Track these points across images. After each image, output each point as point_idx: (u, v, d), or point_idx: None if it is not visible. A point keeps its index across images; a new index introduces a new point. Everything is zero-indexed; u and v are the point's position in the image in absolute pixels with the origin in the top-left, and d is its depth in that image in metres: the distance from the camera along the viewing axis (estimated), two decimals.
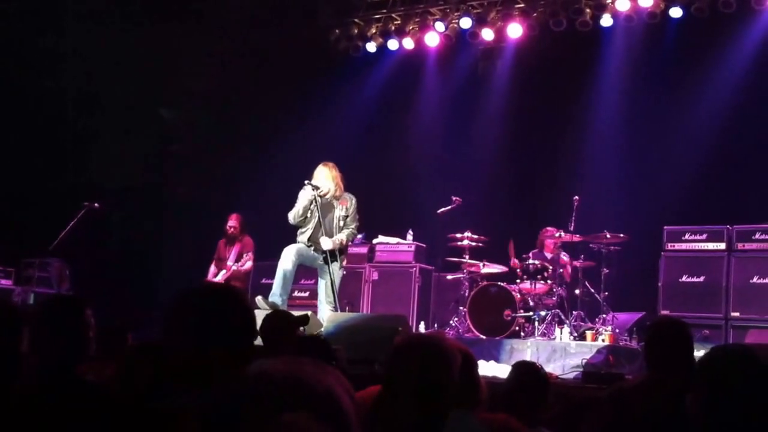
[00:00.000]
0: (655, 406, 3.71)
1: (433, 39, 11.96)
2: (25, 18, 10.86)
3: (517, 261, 9.98)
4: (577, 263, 9.88)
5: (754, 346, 4.11)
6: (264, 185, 11.48)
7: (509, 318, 9.41)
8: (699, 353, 3.31)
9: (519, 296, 9.57)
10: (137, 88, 11.39)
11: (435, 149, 12.51)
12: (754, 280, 9.29)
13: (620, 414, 3.83)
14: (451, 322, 9.95)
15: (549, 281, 9.67)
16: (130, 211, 11.65)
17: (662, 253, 9.85)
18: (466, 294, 9.96)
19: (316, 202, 8.39)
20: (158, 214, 12.25)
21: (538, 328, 9.23)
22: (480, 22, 11.47)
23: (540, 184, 11.70)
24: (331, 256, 8.31)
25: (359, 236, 10.07)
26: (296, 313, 5.42)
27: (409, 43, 12.09)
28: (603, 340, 8.68)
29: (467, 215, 10.48)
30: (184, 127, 12.77)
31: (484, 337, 9.33)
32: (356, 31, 12.28)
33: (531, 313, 9.41)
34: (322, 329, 7.52)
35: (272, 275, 8.60)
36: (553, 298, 9.58)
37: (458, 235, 10.12)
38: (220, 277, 10.22)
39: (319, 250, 8.42)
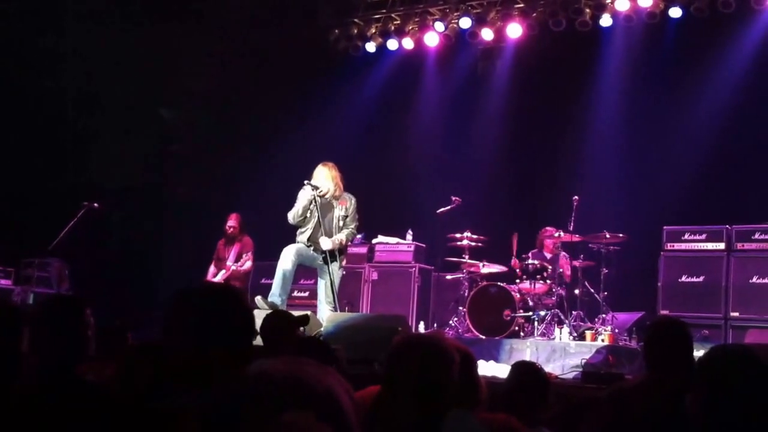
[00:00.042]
0: (655, 406, 3.71)
1: (432, 39, 11.96)
2: (25, 18, 10.86)
3: (517, 261, 9.98)
4: (576, 263, 9.88)
5: (753, 346, 4.11)
6: (264, 185, 11.47)
7: (509, 318, 9.41)
8: (698, 353, 3.31)
9: (518, 296, 9.58)
10: (137, 88, 11.39)
11: (434, 149, 12.51)
12: (754, 280, 9.29)
13: (620, 414, 3.83)
14: (450, 322, 9.95)
15: (548, 281, 9.68)
16: (130, 211, 11.65)
17: (662, 253, 9.86)
18: (466, 294, 9.96)
19: (315, 202, 8.38)
20: (158, 214, 12.25)
21: (538, 328, 9.23)
22: (479, 22, 11.48)
23: (539, 184, 11.70)
24: (331, 256, 8.30)
25: (359, 236, 10.08)
26: (296, 313, 5.42)
27: (408, 43, 12.09)
28: (602, 340, 8.68)
29: (467, 215, 10.49)
30: (184, 127, 12.77)
31: (483, 337, 9.33)
32: (356, 31, 12.28)
33: (530, 313, 9.41)
34: (322, 329, 7.52)
35: (272, 275, 8.60)
36: (553, 298, 9.58)
37: (458, 235, 10.13)
38: (219, 277, 10.21)
39: (319, 250, 8.42)
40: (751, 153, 10.41)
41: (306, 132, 12.01)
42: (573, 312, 9.54)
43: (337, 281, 8.36)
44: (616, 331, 9.00)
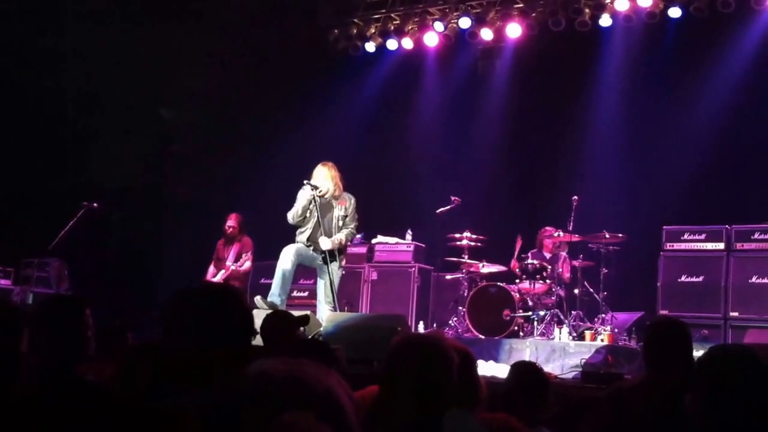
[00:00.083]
0: (654, 406, 3.71)
1: (432, 39, 11.96)
2: (25, 18, 10.87)
3: (516, 262, 10.00)
4: (576, 263, 9.89)
5: (753, 346, 4.11)
6: (264, 185, 11.47)
7: (508, 318, 9.41)
8: (698, 353, 3.31)
9: (518, 296, 9.58)
10: (137, 88, 11.39)
11: (434, 149, 12.52)
12: (753, 279, 9.29)
13: (619, 414, 3.83)
14: (450, 321, 9.95)
15: (548, 281, 9.68)
16: (130, 211, 11.66)
17: (661, 252, 9.86)
18: (465, 294, 9.97)
19: (315, 201, 8.39)
20: (158, 214, 12.25)
21: (537, 328, 9.23)
22: (479, 21, 11.48)
23: (539, 183, 11.70)
24: (330, 255, 8.30)
25: (358, 236, 10.08)
26: (296, 313, 5.42)
27: (408, 43, 12.09)
28: (602, 340, 8.68)
29: (466, 215, 10.49)
30: (184, 127, 12.78)
31: (483, 336, 9.34)
32: (355, 31, 12.28)
33: (530, 313, 9.42)
34: (321, 329, 7.52)
35: (271, 275, 8.59)
36: (552, 298, 9.58)
37: (457, 235, 10.13)
38: (219, 278, 10.20)
39: (318, 250, 8.42)
40: (750, 153, 10.41)
41: (306, 132, 12.01)
42: (572, 312, 9.55)
43: (336, 281, 8.36)
44: (616, 331, 9.00)
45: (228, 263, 10.24)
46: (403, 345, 2.85)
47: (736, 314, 9.26)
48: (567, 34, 11.08)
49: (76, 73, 11.17)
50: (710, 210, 10.07)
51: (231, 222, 10.37)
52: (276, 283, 8.30)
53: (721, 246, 9.57)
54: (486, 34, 11.58)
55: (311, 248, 8.46)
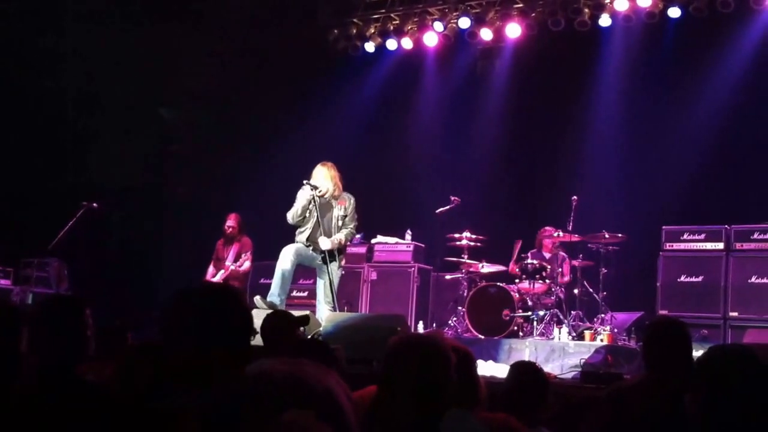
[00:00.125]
0: (654, 406, 3.71)
1: (431, 39, 11.96)
2: (25, 18, 10.86)
3: (514, 265, 10.01)
4: (575, 263, 9.89)
5: (752, 346, 4.11)
6: (264, 185, 11.47)
7: (508, 318, 9.42)
8: (697, 353, 3.31)
9: (517, 296, 9.58)
10: (137, 88, 11.40)
11: (434, 149, 12.51)
12: (753, 279, 9.30)
13: (619, 414, 3.83)
14: (449, 321, 9.96)
15: (547, 281, 9.69)
16: (130, 211, 11.65)
17: (660, 252, 9.85)
18: (465, 294, 9.97)
19: (314, 201, 8.39)
20: (158, 214, 12.26)
21: (537, 328, 9.24)
22: (478, 21, 11.48)
23: (539, 183, 11.70)
24: (330, 255, 8.30)
25: (358, 236, 10.08)
26: (295, 312, 5.43)
27: (407, 43, 12.10)
28: (601, 340, 8.68)
29: (466, 215, 10.49)
30: (184, 127, 12.78)
31: (482, 336, 9.34)
32: (355, 31, 12.28)
33: (529, 313, 9.42)
34: (321, 329, 7.52)
35: (271, 275, 8.59)
36: (552, 298, 9.59)
37: (457, 235, 10.14)
38: (218, 278, 10.20)
39: (318, 250, 8.42)
40: (749, 153, 10.41)
41: (306, 132, 12.01)
42: (572, 312, 9.55)
43: (336, 281, 8.35)
44: (615, 330, 9.00)
45: (227, 263, 10.24)
46: (401, 345, 2.86)
47: (735, 314, 9.26)
48: (566, 34, 11.08)
49: (76, 73, 11.17)
50: (710, 210, 10.07)
51: (230, 222, 10.37)
52: (275, 283, 8.30)
53: (720, 246, 9.57)
54: (485, 34, 11.58)
55: (311, 248, 8.46)
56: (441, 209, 10.37)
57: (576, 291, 9.75)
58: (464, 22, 11.50)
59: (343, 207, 8.55)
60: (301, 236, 8.49)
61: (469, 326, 9.57)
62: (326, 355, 4.04)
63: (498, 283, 9.77)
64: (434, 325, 10.45)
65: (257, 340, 3.88)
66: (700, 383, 2.87)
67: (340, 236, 8.46)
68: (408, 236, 11.13)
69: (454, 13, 11.75)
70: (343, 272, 8.80)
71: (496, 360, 8.25)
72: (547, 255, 10.23)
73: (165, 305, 2.59)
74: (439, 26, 11.77)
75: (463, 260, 10.10)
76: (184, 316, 2.51)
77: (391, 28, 12.05)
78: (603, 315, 9.34)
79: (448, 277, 10.61)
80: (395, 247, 11.06)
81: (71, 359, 3.23)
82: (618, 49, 11.38)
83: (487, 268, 10.12)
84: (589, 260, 9.89)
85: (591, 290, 9.73)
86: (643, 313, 9.52)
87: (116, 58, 11.19)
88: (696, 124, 10.75)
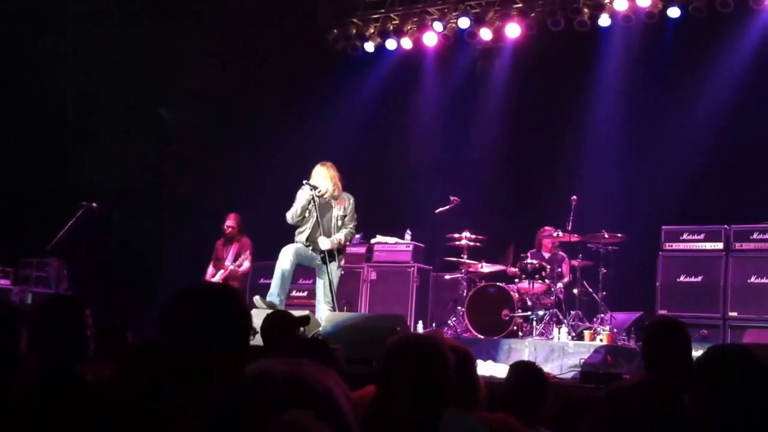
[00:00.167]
0: (653, 406, 3.71)
1: (431, 39, 11.96)
2: (25, 18, 10.87)
3: (512, 268, 10.01)
4: (575, 263, 9.90)
5: (752, 346, 4.11)
6: (264, 185, 11.48)
7: (507, 318, 9.42)
8: (697, 353, 3.32)
9: (517, 296, 9.59)
10: (137, 88, 11.40)
11: (433, 149, 12.52)
12: (752, 279, 9.30)
13: (618, 414, 3.84)
14: (449, 321, 9.96)
15: (547, 281, 9.69)
16: (129, 211, 11.66)
17: (660, 252, 9.86)
18: (464, 294, 9.97)
19: (314, 201, 8.39)
20: (158, 214, 12.26)
21: (536, 328, 9.24)
22: (478, 21, 11.48)
23: (538, 183, 11.70)
24: (330, 255, 8.30)
25: (357, 236, 10.08)
26: (295, 312, 5.43)
27: (407, 43, 12.10)
28: (601, 340, 8.69)
29: (465, 215, 10.49)
30: (184, 127, 12.78)
31: (482, 336, 9.34)
32: (354, 31, 12.28)
33: (529, 313, 9.42)
34: (321, 329, 7.52)
35: (270, 275, 8.59)
36: (551, 298, 9.59)
37: (456, 235, 10.14)
38: (217, 278, 10.19)
39: (318, 250, 8.42)
40: (749, 153, 10.42)
41: (306, 132, 12.01)
42: (571, 312, 9.55)
43: (335, 281, 8.35)
44: (615, 330, 9.01)
45: (227, 263, 10.24)
46: (401, 345, 2.86)
47: (734, 314, 9.26)
48: (566, 34, 11.09)
49: (76, 73, 11.17)
50: (709, 210, 10.07)
51: (230, 222, 10.37)
52: (275, 283, 8.30)
53: (720, 246, 9.57)
54: (485, 34, 11.58)
55: (310, 248, 8.46)
56: (440, 209, 10.37)
57: (575, 291, 9.75)
58: (464, 22, 11.51)
59: (343, 207, 8.55)
60: (301, 236, 8.49)
61: (469, 326, 9.57)
62: (326, 355, 4.04)
63: (497, 283, 9.77)
64: (434, 325, 10.45)
65: (257, 340, 3.88)
66: (700, 383, 2.87)
67: (340, 236, 8.46)
68: (407, 236, 11.14)
69: (454, 13, 11.75)
70: (343, 272, 8.80)
71: (495, 360, 8.26)
72: (547, 255, 10.24)
73: (165, 305, 2.60)
74: (438, 26, 11.77)
75: (463, 260, 10.10)
76: (184, 316, 2.51)
77: (391, 28, 12.05)
78: (602, 315, 9.34)
79: (447, 277, 10.61)
80: (395, 247, 11.07)
81: (71, 359, 3.23)
82: (617, 49, 11.38)
83: (486, 268, 10.12)
84: (588, 260, 9.89)
85: (590, 290, 9.73)
86: (642, 313, 9.53)
87: (116, 58, 11.20)
88: (696, 124, 10.75)
